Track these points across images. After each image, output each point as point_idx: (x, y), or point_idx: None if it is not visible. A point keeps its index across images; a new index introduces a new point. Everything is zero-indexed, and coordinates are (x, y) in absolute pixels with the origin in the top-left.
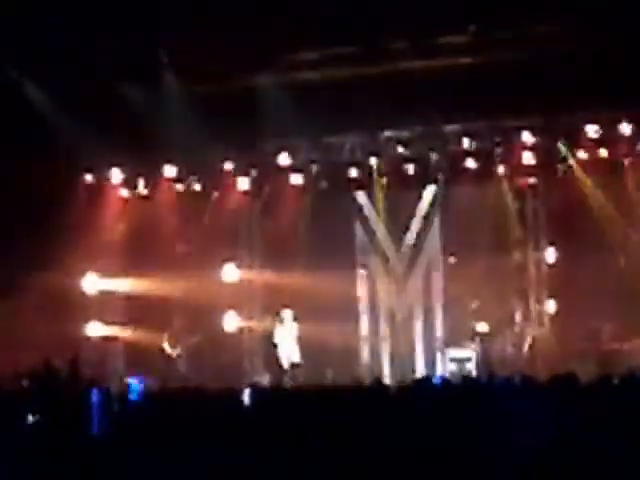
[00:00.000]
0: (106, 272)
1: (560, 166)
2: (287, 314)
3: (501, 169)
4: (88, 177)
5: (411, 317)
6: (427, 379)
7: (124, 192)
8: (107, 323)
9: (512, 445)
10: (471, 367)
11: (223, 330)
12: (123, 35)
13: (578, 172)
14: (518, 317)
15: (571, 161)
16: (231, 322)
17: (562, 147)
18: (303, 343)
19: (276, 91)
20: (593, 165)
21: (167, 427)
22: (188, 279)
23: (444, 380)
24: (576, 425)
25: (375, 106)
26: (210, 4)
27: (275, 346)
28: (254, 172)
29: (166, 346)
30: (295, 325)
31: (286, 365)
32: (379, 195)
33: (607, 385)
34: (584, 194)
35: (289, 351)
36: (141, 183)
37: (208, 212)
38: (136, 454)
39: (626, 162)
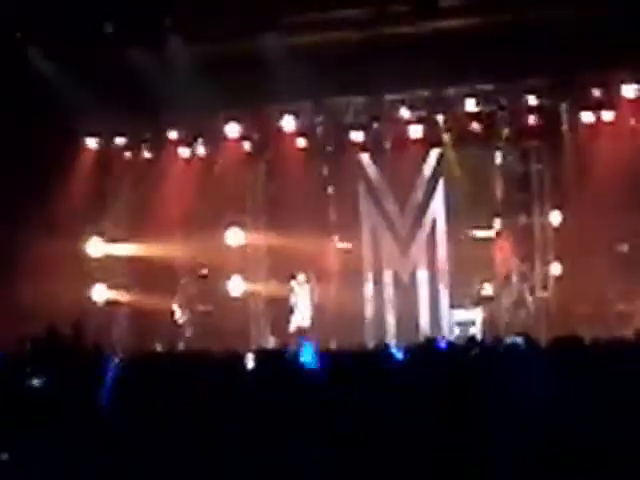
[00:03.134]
0: (111, 236)
1: (564, 128)
2: (301, 278)
3: (506, 132)
4: (92, 141)
5: (415, 280)
6: (432, 342)
7: (128, 156)
8: (112, 287)
9: (521, 409)
10: (476, 330)
11: (229, 294)
12: None
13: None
14: (523, 280)
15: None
16: (237, 286)
17: (565, 109)
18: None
19: (280, 53)
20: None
21: (167, 391)
22: (193, 243)
23: (450, 344)
24: (584, 388)
25: (379, 68)
26: None
27: (292, 310)
28: (258, 135)
29: (176, 310)
30: (307, 289)
31: (292, 329)
32: (384, 157)
33: (614, 347)
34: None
35: (300, 315)
36: (145, 147)
37: (212, 175)
38: (138, 418)
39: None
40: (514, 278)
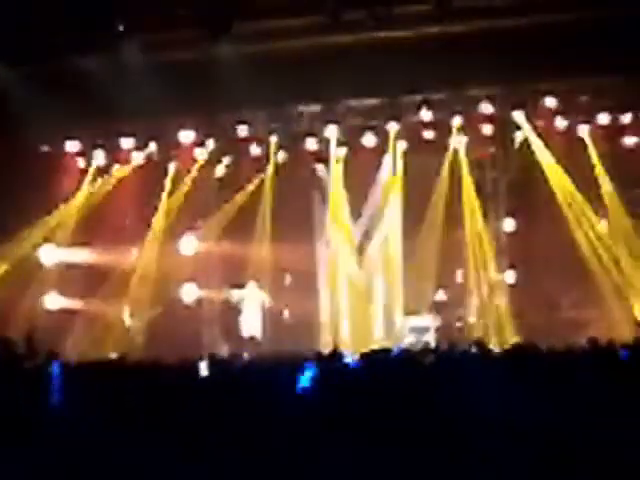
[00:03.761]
0: (64, 243)
1: (517, 136)
2: (252, 286)
3: (459, 139)
4: (44, 148)
5: (370, 287)
6: (386, 349)
7: (81, 162)
8: (65, 295)
9: (477, 416)
10: (430, 337)
11: (182, 301)
12: (78, 4)
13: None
14: (477, 287)
15: (527, 132)
16: (190, 293)
17: (518, 117)
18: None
19: (234, 61)
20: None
21: (123, 399)
22: (146, 250)
23: (404, 351)
24: (541, 395)
25: (333, 76)
26: None
27: (243, 318)
28: (212, 142)
29: (126, 317)
30: (260, 298)
31: (246, 335)
32: (338, 165)
33: (570, 355)
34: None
35: (251, 323)
36: (98, 153)
37: (166, 182)
38: (93, 426)
39: (585, 131)
40: (476, 286)
